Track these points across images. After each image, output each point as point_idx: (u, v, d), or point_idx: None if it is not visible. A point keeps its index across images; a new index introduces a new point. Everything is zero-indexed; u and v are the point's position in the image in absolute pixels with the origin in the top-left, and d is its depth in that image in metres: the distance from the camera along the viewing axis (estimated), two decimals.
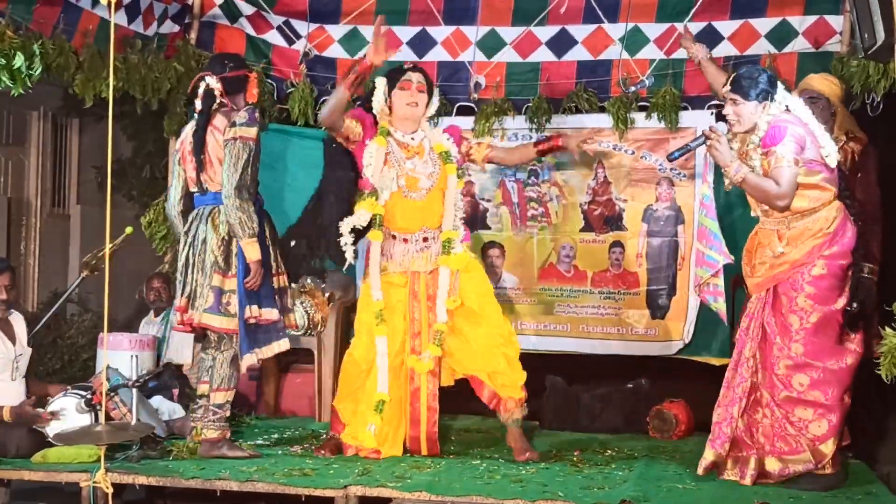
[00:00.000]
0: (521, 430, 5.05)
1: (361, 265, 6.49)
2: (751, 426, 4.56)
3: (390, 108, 5.07)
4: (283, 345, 4.94)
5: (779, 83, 4.56)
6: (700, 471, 4.58)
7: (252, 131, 4.79)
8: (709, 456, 4.57)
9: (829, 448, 4.45)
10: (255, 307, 4.80)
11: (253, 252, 4.76)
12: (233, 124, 4.79)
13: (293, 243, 6.01)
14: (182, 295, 4.92)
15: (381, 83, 5.08)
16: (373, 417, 4.97)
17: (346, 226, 5.01)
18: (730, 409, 4.56)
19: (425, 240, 5.06)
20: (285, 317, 4.99)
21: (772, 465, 4.49)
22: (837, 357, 4.50)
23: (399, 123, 5.08)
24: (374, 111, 5.08)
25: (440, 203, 5.06)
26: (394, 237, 5.04)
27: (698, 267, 4.73)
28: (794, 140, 4.40)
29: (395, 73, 5.10)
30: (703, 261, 4.67)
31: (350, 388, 5.09)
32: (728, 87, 4.51)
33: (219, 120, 4.86)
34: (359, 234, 5.07)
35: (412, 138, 5.08)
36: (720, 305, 4.68)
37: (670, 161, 4.91)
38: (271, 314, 4.87)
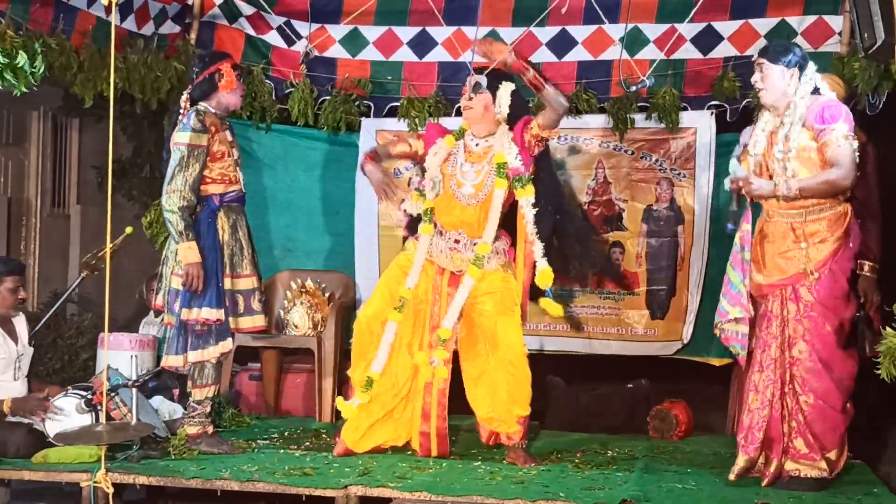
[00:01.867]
0: (520, 449, 4.97)
1: (362, 265, 6.55)
2: (780, 427, 4.52)
3: None
4: (226, 345, 4.96)
5: (810, 62, 4.49)
6: (732, 476, 4.50)
7: (182, 136, 4.86)
8: (741, 462, 4.51)
9: (835, 456, 4.45)
10: (195, 309, 4.86)
11: (185, 255, 4.82)
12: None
13: None
14: (159, 293, 5.09)
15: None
16: (360, 394, 4.98)
17: (405, 205, 5.10)
18: (761, 413, 4.49)
19: (456, 241, 5.01)
20: (236, 318, 4.98)
21: (788, 465, 4.47)
22: (845, 365, 4.48)
23: (474, 127, 5.05)
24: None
25: (483, 214, 4.95)
26: (435, 225, 5.04)
27: (716, 313, 4.61)
28: (846, 121, 4.35)
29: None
30: (719, 310, 4.56)
31: (361, 353, 5.06)
32: (756, 55, 4.48)
33: None
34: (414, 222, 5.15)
35: (476, 144, 5.03)
36: (741, 353, 4.54)
37: (731, 233, 4.55)
38: (210, 314, 4.88)
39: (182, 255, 4.83)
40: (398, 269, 5.08)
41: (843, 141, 4.31)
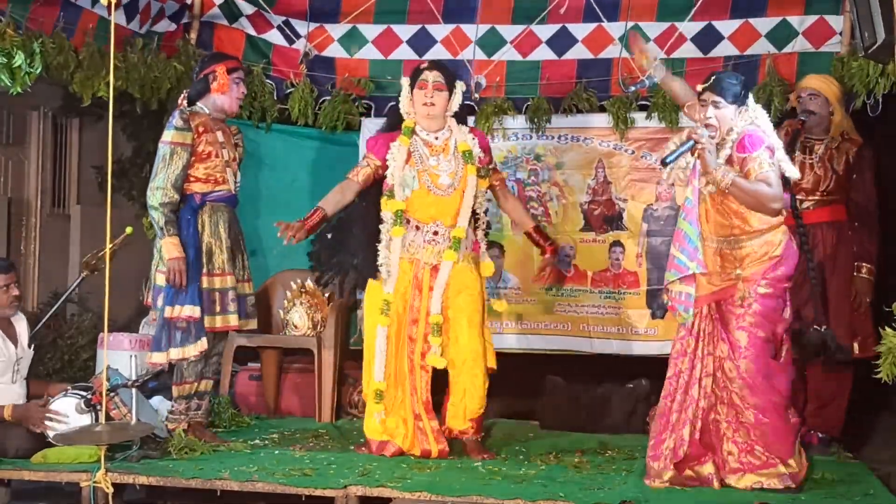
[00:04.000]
0: (474, 442, 5.11)
1: None
2: (711, 441, 4.48)
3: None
4: (203, 344, 5.03)
5: (750, 95, 4.51)
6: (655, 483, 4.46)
7: (166, 134, 5.02)
8: (666, 477, 4.45)
9: (795, 465, 4.42)
10: (177, 307, 4.96)
11: (167, 250, 4.95)
12: None
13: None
14: (149, 291, 5.24)
15: (405, 83, 5.14)
16: (376, 407, 5.02)
17: (382, 253, 5.05)
18: (680, 432, 4.46)
19: (435, 233, 5.07)
20: (212, 317, 5.04)
21: (746, 480, 4.41)
22: (780, 377, 4.45)
23: (422, 122, 5.11)
24: (402, 111, 5.13)
25: (458, 202, 5.07)
26: (408, 221, 5.07)
27: (668, 270, 4.47)
28: (767, 148, 4.36)
29: (414, 73, 5.13)
30: (673, 264, 4.40)
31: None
32: (708, 89, 4.38)
33: None
34: None
35: (436, 137, 5.11)
36: (688, 316, 4.42)
37: (664, 165, 4.51)
38: (194, 312, 4.97)
39: (165, 250, 4.95)
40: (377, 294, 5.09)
41: (766, 166, 4.31)
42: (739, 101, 4.41)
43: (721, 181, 4.32)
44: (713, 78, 4.43)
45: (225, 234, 5.11)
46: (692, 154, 4.37)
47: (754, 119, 4.43)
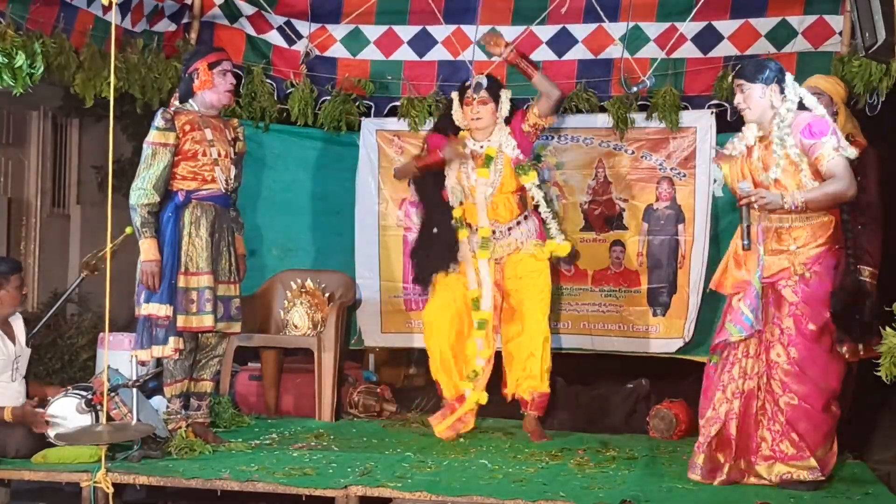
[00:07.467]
0: (535, 420, 5.57)
1: (362, 265, 6.56)
2: (746, 430, 4.55)
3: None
4: (177, 342, 5.02)
5: (788, 75, 4.53)
6: (690, 475, 4.59)
7: (149, 135, 5.03)
8: (698, 460, 4.59)
9: (822, 454, 4.46)
10: (144, 304, 4.99)
11: (142, 251, 4.98)
12: None
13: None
14: None
15: (455, 98, 5.57)
16: (478, 333, 5.49)
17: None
18: (717, 410, 4.59)
19: (493, 232, 5.51)
20: (188, 316, 5.01)
21: (777, 469, 4.46)
22: (829, 366, 4.49)
23: (473, 133, 5.53)
24: (457, 123, 5.57)
25: (503, 199, 5.49)
26: (469, 226, 5.55)
27: (730, 322, 4.55)
28: (833, 133, 4.39)
29: (460, 91, 5.57)
30: (740, 320, 4.51)
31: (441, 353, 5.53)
32: (734, 77, 4.53)
33: None
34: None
35: (481, 146, 5.50)
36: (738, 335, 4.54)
37: (746, 250, 4.44)
38: (161, 310, 4.97)
39: (141, 251, 4.97)
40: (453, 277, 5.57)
41: (834, 153, 4.35)
42: (768, 80, 4.45)
43: (795, 209, 4.38)
44: (738, 67, 4.59)
45: (206, 234, 5.07)
46: (756, 210, 4.44)
47: (801, 98, 4.46)
